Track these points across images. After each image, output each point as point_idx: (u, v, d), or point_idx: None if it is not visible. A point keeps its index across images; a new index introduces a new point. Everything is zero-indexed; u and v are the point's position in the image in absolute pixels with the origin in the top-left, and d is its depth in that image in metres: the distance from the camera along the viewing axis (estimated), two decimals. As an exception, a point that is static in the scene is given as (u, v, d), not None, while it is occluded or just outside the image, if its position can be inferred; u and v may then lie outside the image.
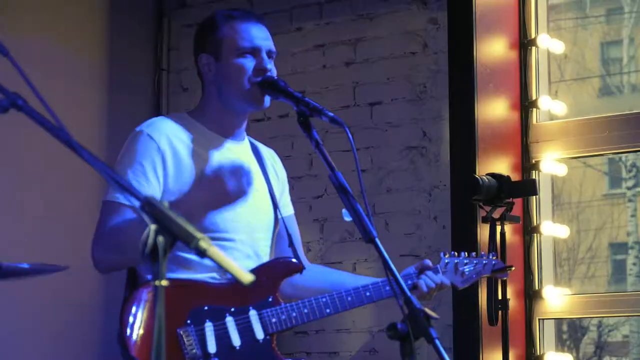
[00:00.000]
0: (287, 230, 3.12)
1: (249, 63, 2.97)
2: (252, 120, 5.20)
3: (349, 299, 2.99)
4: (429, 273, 3.09)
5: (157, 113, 5.31)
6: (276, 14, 5.27)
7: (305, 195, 5.09)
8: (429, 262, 3.12)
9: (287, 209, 3.19)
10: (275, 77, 2.94)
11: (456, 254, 3.21)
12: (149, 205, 1.76)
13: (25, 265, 2.93)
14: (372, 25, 5.07)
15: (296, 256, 3.06)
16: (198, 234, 1.74)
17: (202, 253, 1.74)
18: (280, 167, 3.22)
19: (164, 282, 1.74)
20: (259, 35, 3.01)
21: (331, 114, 2.67)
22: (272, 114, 5.19)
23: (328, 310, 2.96)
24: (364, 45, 5.08)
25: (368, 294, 3.02)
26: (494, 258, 3.31)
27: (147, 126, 2.95)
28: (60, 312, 4.84)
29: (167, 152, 2.90)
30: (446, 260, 3.17)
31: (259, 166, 3.11)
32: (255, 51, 2.98)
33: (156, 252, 1.73)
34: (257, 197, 3.03)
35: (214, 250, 1.75)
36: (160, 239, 1.73)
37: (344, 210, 2.50)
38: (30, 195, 4.81)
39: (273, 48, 3.03)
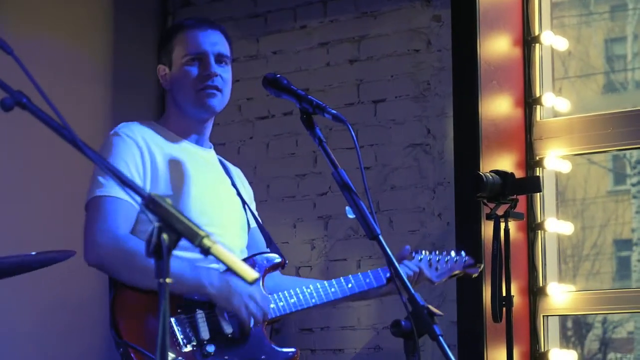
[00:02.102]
0: (262, 234, 3.16)
1: (194, 70, 3.03)
2: (256, 117, 5.23)
3: (332, 289, 3.03)
4: (406, 262, 3.19)
5: (161, 112, 5.31)
6: (280, 12, 5.27)
7: (310, 192, 5.09)
8: (407, 251, 3.20)
9: (257, 218, 3.22)
10: (276, 75, 2.93)
11: (428, 252, 3.26)
12: (152, 203, 1.76)
13: (32, 254, 2.92)
14: (376, 22, 5.07)
15: (279, 253, 3.08)
16: (202, 232, 1.75)
17: (206, 251, 1.75)
18: (248, 184, 3.28)
19: (169, 280, 1.74)
20: (207, 41, 3.05)
21: (334, 111, 2.67)
22: (276, 112, 5.19)
23: (314, 300, 3.00)
24: (367, 43, 5.08)
25: (350, 285, 3.07)
26: (465, 255, 3.40)
27: (120, 128, 3.00)
28: (62, 313, 4.84)
29: (144, 149, 2.95)
30: (420, 256, 3.23)
31: (226, 175, 3.17)
32: (201, 56, 3.03)
33: (160, 250, 1.74)
34: (225, 195, 3.09)
35: (217, 248, 1.75)
36: (165, 236, 1.74)
37: (347, 208, 2.51)
38: (33, 194, 4.82)
39: (224, 52, 3.07)
